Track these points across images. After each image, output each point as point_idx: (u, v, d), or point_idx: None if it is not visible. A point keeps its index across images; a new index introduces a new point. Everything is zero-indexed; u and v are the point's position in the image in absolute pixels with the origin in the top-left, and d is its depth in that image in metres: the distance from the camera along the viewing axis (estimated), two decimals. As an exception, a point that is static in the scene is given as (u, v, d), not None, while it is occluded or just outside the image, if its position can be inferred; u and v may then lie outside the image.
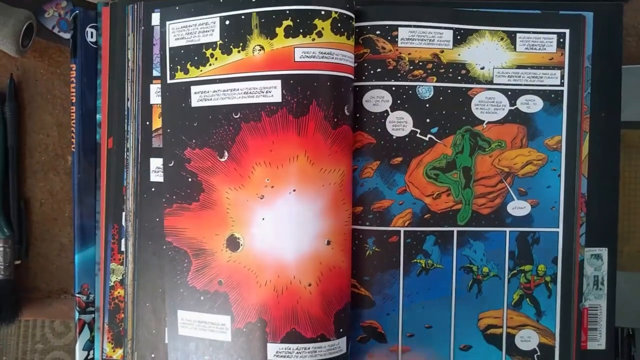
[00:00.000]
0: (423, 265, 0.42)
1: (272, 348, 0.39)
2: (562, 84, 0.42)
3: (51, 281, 0.50)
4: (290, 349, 0.39)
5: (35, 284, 0.50)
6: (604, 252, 0.44)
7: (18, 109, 0.49)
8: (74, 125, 0.45)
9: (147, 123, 0.43)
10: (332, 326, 0.40)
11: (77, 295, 0.45)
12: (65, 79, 0.49)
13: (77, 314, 0.45)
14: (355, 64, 0.41)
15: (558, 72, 0.42)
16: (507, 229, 0.42)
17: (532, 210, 0.42)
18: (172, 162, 0.42)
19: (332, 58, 0.39)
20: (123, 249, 0.43)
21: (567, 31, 0.42)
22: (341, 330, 0.40)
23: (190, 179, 0.41)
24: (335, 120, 0.39)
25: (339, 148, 0.39)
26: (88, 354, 0.45)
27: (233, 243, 0.40)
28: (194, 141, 0.41)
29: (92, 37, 0.44)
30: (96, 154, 0.44)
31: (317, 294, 0.39)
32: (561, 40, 0.42)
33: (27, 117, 0.49)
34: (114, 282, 0.44)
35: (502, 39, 0.42)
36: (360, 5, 0.42)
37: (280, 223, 0.39)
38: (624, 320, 0.45)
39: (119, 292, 0.44)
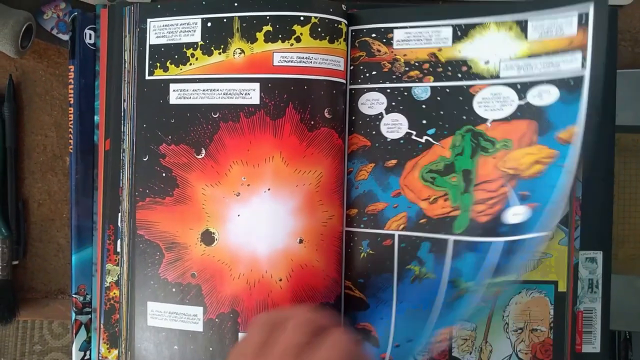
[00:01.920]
0: (417, 272, 0.40)
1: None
2: (584, 66, 0.37)
3: (48, 282, 0.50)
4: None
5: (33, 285, 0.50)
6: (598, 255, 0.44)
7: (17, 109, 0.49)
8: (71, 127, 0.45)
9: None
10: None
11: (73, 296, 0.45)
12: (63, 80, 0.49)
13: (73, 314, 0.45)
14: (352, 67, 0.42)
15: (579, 55, 0.37)
16: (502, 239, 0.38)
17: (531, 214, 0.38)
18: (147, 157, 0.43)
19: (311, 62, 0.40)
20: (119, 249, 0.44)
21: (591, 4, 0.36)
22: None
23: (164, 174, 0.42)
24: (312, 123, 0.40)
25: (315, 150, 0.40)
26: (85, 355, 0.45)
27: (208, 237, 0.42)
28: (170, 137, 0.42)
29: (90, 38, 0.45)
30: (94, 156, 0.45)
31: (287, 289, 0.41)
32: (583, 18, 0.37)
33: (26, 117, 0.49)
34: (110, 282, 0.44)
35: (510, 28, 0.39)
36: (357, 8, 0.42)
37: (254, 220, 0.41)
38: (619, 323, 0.45)
39: (114, 293, 0.44)
